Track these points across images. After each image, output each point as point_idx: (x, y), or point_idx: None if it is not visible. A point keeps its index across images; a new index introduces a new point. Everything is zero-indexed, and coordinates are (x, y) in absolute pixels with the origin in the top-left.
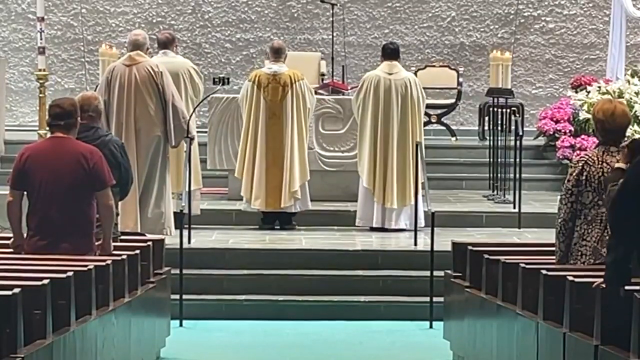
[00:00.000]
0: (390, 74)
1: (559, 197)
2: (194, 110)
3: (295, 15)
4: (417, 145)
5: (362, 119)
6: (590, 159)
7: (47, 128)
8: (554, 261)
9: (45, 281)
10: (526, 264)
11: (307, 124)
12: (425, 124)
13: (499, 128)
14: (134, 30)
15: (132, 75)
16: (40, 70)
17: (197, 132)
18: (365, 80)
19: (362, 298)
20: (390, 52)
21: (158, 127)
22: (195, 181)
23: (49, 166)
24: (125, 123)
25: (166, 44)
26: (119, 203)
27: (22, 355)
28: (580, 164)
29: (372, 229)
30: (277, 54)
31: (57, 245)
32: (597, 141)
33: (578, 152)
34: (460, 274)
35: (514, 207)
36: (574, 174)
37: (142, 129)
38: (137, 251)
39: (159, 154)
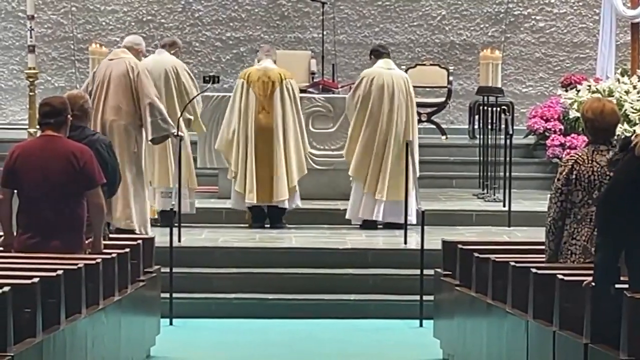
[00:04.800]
0: (389, 69)
1: (548, 196)
2: (183, 109)
3: (286, 13)
4: (407, 144)
5: (362, 111)
6: (580, 158)
7: (38, 126)
8: (543, 260)
9: (35, 279)
10: (516, 262)
11: (300, 119)
12: None
13: (489, 127)
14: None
15: (110, 69)
16: (30, 68)
17: (188, 130)
18: (364, 77)
19: (352, 296)
20: (384, 51)
21: (124, 119)
22: (190, 181)
23: (40, 164)
24: (94, 114)
25: (165, 45)
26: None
27: (12, 354)
28: (570, 163)
29: (362, 227)
30: (269, 52)
31: (47, 244)
32: (587, 140)
33: (568, 150)
34: (450, 273)
35: (504, 206)
36: (564, 172)
37: (109, 120)
38: (127, 250)
39: (125, 147)
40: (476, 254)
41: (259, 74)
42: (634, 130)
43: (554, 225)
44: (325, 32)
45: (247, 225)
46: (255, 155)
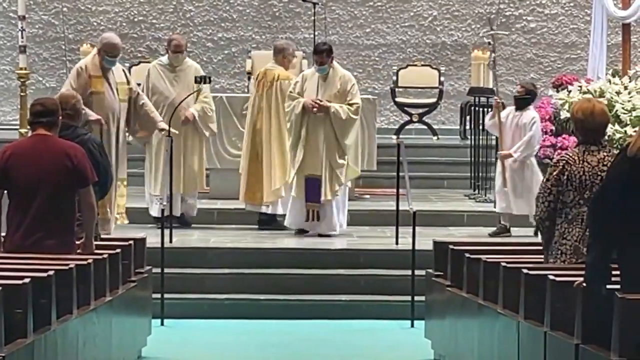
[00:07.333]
0: None
1: (536, 195)
2: (174, 110)
3: (277, 14)
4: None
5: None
6: (571, 159)
7: (29, 127)
8: (534, 260)
9: (27, 280)
10: (507, 263)
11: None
12: (407, 123)
13: (481, 127)
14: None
15: None
16: (21, 69)
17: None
18: None
19: (343, 297)
20: None
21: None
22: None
23: (32, 163)
24: None
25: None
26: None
27: (3, 355)
28: (561, 164)
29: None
30: (275, 52)
31: (39, 243)
32: (577, 140)
33: (559, 151)
34: (441, 273)
35: (495, 207)
36: (554, 173)
37: None
38: (119, 250)
39: None
40: (467, 255)
41: (262, 72)
42: (625, 131)
43: (541, 225)
44: (316, 33)
45: (238, 225)
46: (249, 156)
